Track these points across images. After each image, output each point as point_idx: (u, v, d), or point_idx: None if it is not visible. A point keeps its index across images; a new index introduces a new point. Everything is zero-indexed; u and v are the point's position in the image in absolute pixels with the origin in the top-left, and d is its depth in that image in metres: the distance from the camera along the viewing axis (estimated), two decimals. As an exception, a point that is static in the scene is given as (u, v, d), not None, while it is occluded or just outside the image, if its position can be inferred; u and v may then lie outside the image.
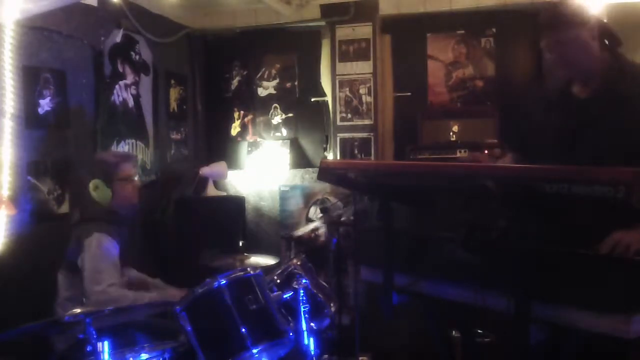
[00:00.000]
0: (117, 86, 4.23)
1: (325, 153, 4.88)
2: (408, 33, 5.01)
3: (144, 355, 2.41)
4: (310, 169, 5.16)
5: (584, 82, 2.38)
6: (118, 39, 4.21)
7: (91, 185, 3.03)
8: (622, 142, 2.18)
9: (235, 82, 5.44)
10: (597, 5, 3.99)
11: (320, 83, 5.19)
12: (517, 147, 2.70)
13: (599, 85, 2.33)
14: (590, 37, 2.29)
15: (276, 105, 5.33)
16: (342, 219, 3.81)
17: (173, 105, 5.05)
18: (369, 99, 4.90)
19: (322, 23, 5.02)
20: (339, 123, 4.99)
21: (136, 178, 3.25)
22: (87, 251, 2.89)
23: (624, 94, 2.25)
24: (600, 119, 2.28)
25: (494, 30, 4.82)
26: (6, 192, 3.17)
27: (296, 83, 5.28)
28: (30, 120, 3.41)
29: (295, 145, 5.28)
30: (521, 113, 2.72)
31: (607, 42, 2.35)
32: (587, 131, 2.31)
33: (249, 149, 5.37)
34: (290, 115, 5.31)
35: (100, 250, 2.90)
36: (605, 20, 2.38)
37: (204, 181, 5.14)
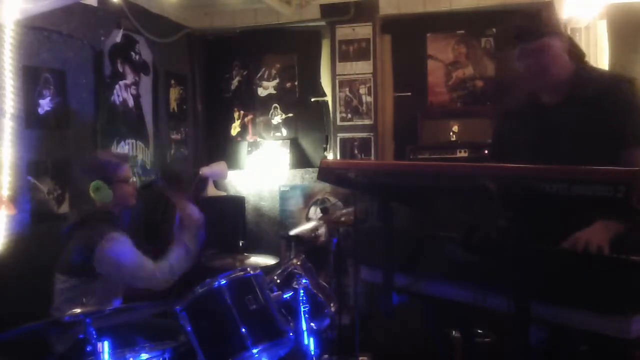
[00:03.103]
0: (117, 86, 4.23)
1: (325, 153, 4.88)
2: (408, 33, 5.01)
3: (144, 355, 2.41)
4: (310, 169, 5.16)
5: (553, 90, 2.43)
6: (118, 39, 4.22)
7: (92, 186, 2.99)
8: (593, 145, 2.24)
9: (235, 82, 5.44)
10: (597, 5, 4.01)
11: (320, 83, 5.19)
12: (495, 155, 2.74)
13: (567, 93, 2.39)
14: (560, 46, 2.38)
15: (276, 105, 5.33)
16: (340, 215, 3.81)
17: (173, 105, 5.05)
18: (369, 99, 4.90)
19: (322, 23, 5.03)
20: (339, 123, 5.00)
21: (134, 179, 3.25)
22: (107, 254, 2.83)
23: (591, 99, 2.32)
24: (571, 125, 2.34)
25: (494, 30, 4.82)
26: (6, 192, 3.17)
27: (296, 83, 5.28)
28: (30, 120, 3.41)
29: (295, 145, 5.28)
30: (495, 123, 2.78)
31: (573, 52, 2.43)
32: (559, 137, 2.36)
33: (249, 149, 5.37)
34: (290, 115, 5.31)
35: (125, 247, 2.89)
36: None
37: (204, 181, 5.14)
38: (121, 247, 2.88)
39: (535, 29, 2.37)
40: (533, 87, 2.49)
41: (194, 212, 3.19)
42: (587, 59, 2.52)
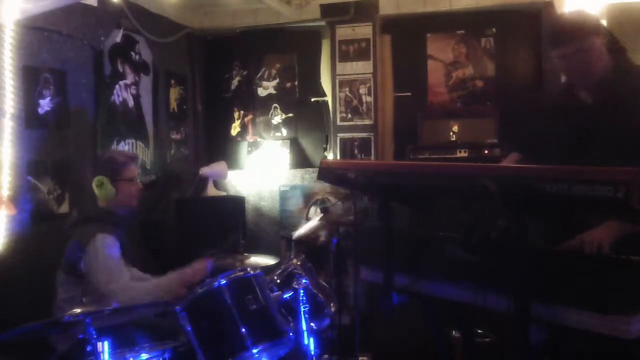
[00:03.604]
0: (117, 86, 4.23)
1: (325, 153, 4.88)
2: (408, 33, 5.01)
3: (144, 355, 2.41)
4: (310, 169, 5.16)
5: (591, 89, 2.38)
6: (118, 39, 4.21)
7: (95, 181, 3.00)
8: (628, 144, 2.18)
9: (235, 82, 5.44)
10: (597, 6, 4.00)
11: (320, 83, 5.19)
12: (521, 149, 2.69)
13: (605, 90, 2.33)
14: (602, 44, 2.32)
15: (276, 105, 5.33)
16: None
17: (173, 105, 5.05)
18: (369, 99, 4.90)
19: (322, 23, 5.03)
20: (339, 123, 4.99)
21: (138, 180, 3.25)
22: (92, 254, 2.85)
23: (628, 97, 2.26)
24: (607, 123, 2.29)
25: (494, 30, 4.82)
26: (6, 192, 3.17)
27: (296, 83, 5.28)
28: (30, 120, 3.41)
29: (295, 145, 5.28)
30: (525, 117, 2.72)
31: (614, 48, 2.37)
32: (594, 135, 2.30)
33: (249, 149, 5.37)
34: (290, 115, 5.31)
35: (107, 251, 2.88)
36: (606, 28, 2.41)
37: (204, 181, 5.14)
38: (105, 249, 2.88)
39: (578, 29, 2.31)
40: (572, 85, 2.44)
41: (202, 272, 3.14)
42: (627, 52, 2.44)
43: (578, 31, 2.30)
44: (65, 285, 2.96)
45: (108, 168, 3.04)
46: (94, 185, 3.01)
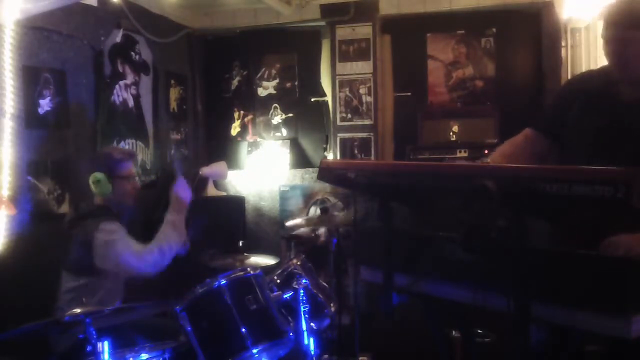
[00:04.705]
0: (117, 86, 4.23)
1: (325, 153, 4.87)
2: (408, 33, 5.02)
3: (144, 355, 2.41)
4: (310, 169, 5.16)
5: (634, 85, 2.27)
6: (118, 39, 4.22)
7: (92, 177, 3.01)
8: None
9: (235, 82, 5.44)
10: (597, 5, 4.00)
11: (320, 83, 5.19)
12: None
13: None
14: None
15: (276, 105, 5.33)
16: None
17: (173, 105, 5.05)
18: (369, 99, 4.90)
19: (322, 23, 5.03)
20: (339, 123, 5.00)
21: (136, 179, 3.25)
22: (103, 244, 2.86)
23: None
24: None
25: (494, 30, 4.82)
26: (6, 192, 3.17)
27: (296, 83, 5.28)
28: (30, 120, 3.41)
29: (295, 145, 5.28)
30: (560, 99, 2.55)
31: None
32: (628, 135, 2.22)
33: (249, 149, 5.37)
34: (290, 115, 5.31)
35: (115, 235, 2.91)
36: None
37: (204, 181, 5.14)
38: (113, 236, 2.89)
39: (625, 16, 2.15)
40: (613, 76, 2.31)
41: (181, 191, 3.18)
42: None
43: (625, 18, 2.16)
44: (71, 286, 2.94)
45: (105, 164, 3.05)
46: (90, 181, 3.02)
